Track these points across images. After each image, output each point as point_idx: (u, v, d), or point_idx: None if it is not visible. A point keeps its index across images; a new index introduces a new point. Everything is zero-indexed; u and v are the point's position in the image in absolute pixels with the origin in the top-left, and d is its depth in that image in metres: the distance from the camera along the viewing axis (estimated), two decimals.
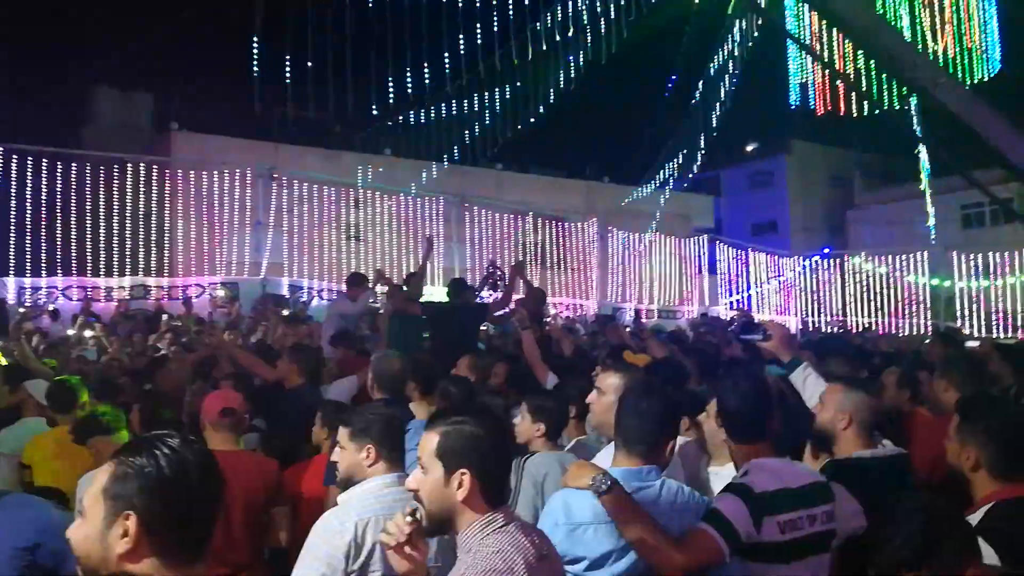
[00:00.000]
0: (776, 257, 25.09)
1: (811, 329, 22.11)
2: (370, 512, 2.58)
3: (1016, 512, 2.28)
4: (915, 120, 18.23)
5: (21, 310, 11.39)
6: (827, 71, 18.22)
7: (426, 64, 13.78)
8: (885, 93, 17.29)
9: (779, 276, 24.78)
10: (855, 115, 19.32)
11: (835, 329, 22.05)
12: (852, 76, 16.99)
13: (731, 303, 22.36)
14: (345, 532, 2.52)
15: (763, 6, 14.03)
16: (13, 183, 14.23)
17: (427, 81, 14.20)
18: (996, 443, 2.40)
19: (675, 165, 20.14)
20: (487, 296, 8.53)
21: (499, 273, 8.27)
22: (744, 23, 17.72)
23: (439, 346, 6.39)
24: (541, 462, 3.32)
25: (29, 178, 14.34)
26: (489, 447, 1.91)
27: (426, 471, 1.93)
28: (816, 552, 2.48)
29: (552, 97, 16.56)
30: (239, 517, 3.39)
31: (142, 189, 15.38)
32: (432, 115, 16.19)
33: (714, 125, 19.28)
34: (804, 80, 21.10)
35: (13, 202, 14.25)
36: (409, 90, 14.12)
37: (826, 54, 17.45)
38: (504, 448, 2.01)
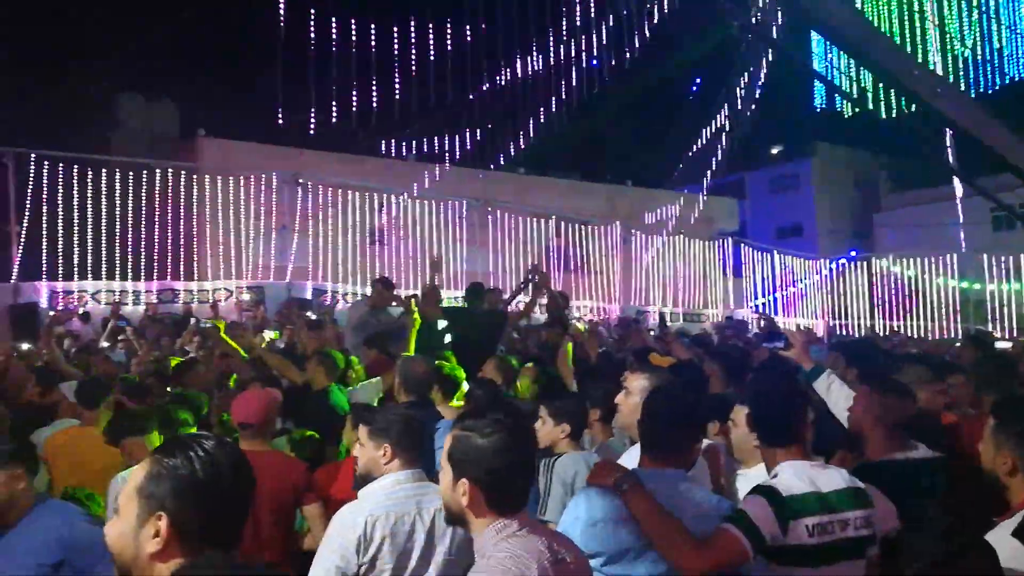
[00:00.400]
0: (802, 260, 24.86)
1: (837, 333, 21.86)
2: (381, 508, 2.65)
3: None
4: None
5: (52, 314, 11.61)
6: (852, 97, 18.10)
7: (450, 69, 13.89)
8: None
9: (806, 279, 24.56)
10: (883, 117, 19.15)
11: (862, 333, 21.78)
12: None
13: (755, 307, 22.17)
14: (356, 526, 2.60)
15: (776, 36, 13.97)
16: (44, 189, 14.54)
17: (450, 86, 14.30)
18: None
19: (703, 168, 20.06)
20: (517, 302, 8.52)
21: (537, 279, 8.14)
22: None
23: (461, 350, 6.39)
24: (569, 463, 3.34)
25: (60, 184, 14.64)
26: (498, 456, 1.87)
27: (442, 470, 1.98)
28: (848, 557, 2.45)
29: (575, 101, 16.59)
30: (268, 517, 3.42)
31: (170, 195, 15.61)
32: (456, 120, 16.30)
33: (739, 128, 19.20)
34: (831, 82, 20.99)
35: (44, 208, 14.55)
36: (432, 95, 14.24)
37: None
38: (521, 454, 1.93)
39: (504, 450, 1.88)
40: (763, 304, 22.10)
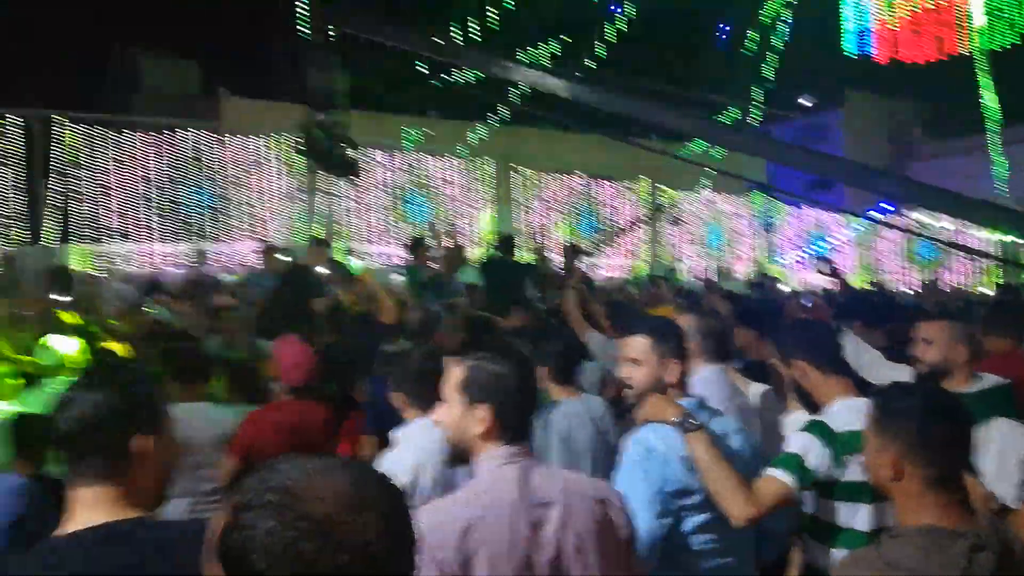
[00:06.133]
0: (832, 214, 24.37)
1: (868, 289, 21.44)
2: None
3: None
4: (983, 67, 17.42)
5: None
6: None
7: (470, 21, 13.56)
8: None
9: (837, 234, 24.12)
10: (922, 63, 18.47)
11: (896, 288, 21.38)
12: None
13: (816, 260, 21.58)
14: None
15: None
16: (73, 153, 14.53)
17: (473, 38, 13.98)
18: None
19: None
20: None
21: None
22: None
23: (491, 298, 6.43)
24: (567, 411, 3.26)
25: (87, 148, 14.65)
26: (510, 384, 1.90)
27: (449, 403, 1.97)
28: None
29: (598, 52, 16.21)
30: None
31: (192, 156, 15.57)
32: (476, 74, 15.96)
33: (769, 77, 18.70)
34: (862, 27, 20.29)
35: (70, 171, 14.56)
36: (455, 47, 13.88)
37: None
38: (527, 386, 1.97)
39: (522, 381, 1.95)
40: (813, 254, 21.64)
